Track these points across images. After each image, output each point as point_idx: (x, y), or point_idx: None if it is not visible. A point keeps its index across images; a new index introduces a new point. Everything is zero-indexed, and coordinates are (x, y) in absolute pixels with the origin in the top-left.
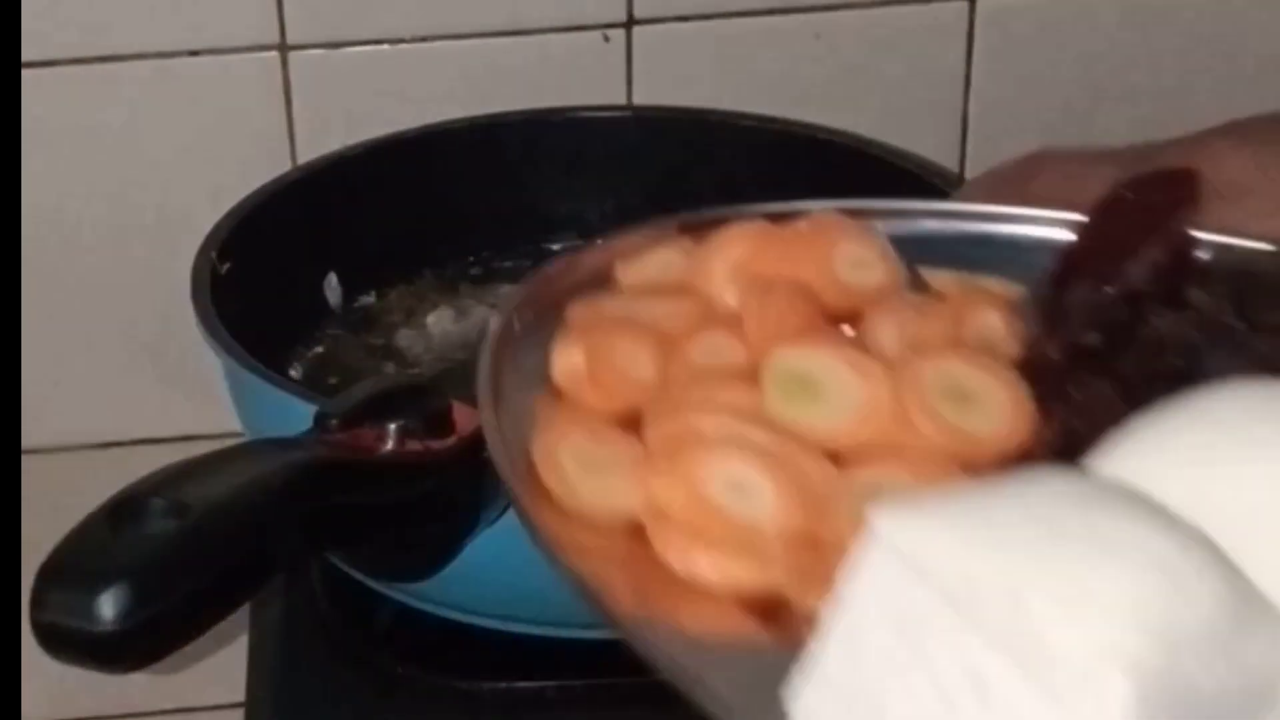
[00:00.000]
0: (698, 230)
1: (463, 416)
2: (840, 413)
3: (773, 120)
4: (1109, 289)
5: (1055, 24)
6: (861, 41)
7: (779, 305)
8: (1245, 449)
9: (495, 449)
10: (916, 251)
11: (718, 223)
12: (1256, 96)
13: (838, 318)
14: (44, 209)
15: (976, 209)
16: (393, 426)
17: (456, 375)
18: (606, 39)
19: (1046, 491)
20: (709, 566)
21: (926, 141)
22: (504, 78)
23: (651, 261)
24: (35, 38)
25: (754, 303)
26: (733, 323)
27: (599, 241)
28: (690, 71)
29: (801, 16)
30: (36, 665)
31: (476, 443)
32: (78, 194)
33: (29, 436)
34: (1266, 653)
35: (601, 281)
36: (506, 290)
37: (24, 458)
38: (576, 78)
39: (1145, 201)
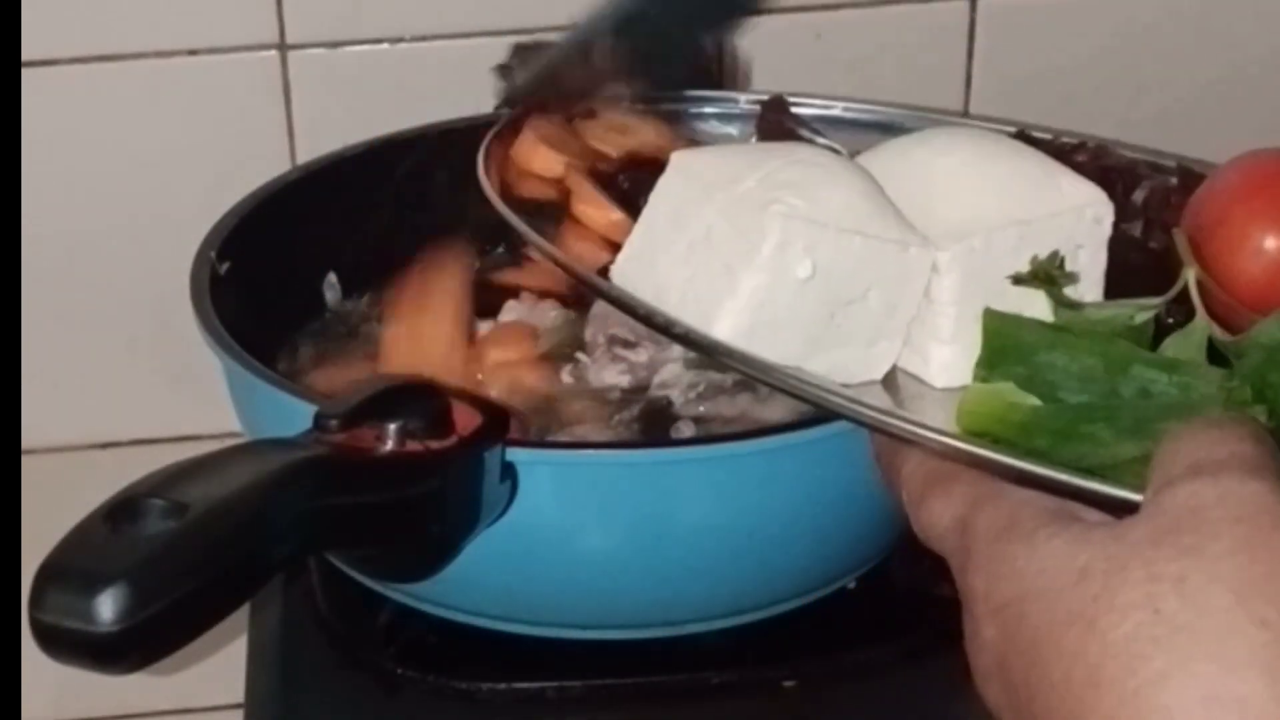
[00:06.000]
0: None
1: (463, 416)
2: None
3: None
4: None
5: (1055, 23)
6: (861, 41)
7: None
8: (913, 147)
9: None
10: None
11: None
12: (1258, 95)
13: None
14: (44, 208)
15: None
16: (393, 426)
17: None
18: None
19: (782, 145)
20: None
21: None
22: None
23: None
24: (35, 38)
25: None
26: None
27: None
28: None
29: (801, 16)
30: (36, 665)
31: (476, 443)
32: (78, 194)
33: (29, 436)
34: (889, 229)
35: None
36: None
37: (24, 458)
38: None
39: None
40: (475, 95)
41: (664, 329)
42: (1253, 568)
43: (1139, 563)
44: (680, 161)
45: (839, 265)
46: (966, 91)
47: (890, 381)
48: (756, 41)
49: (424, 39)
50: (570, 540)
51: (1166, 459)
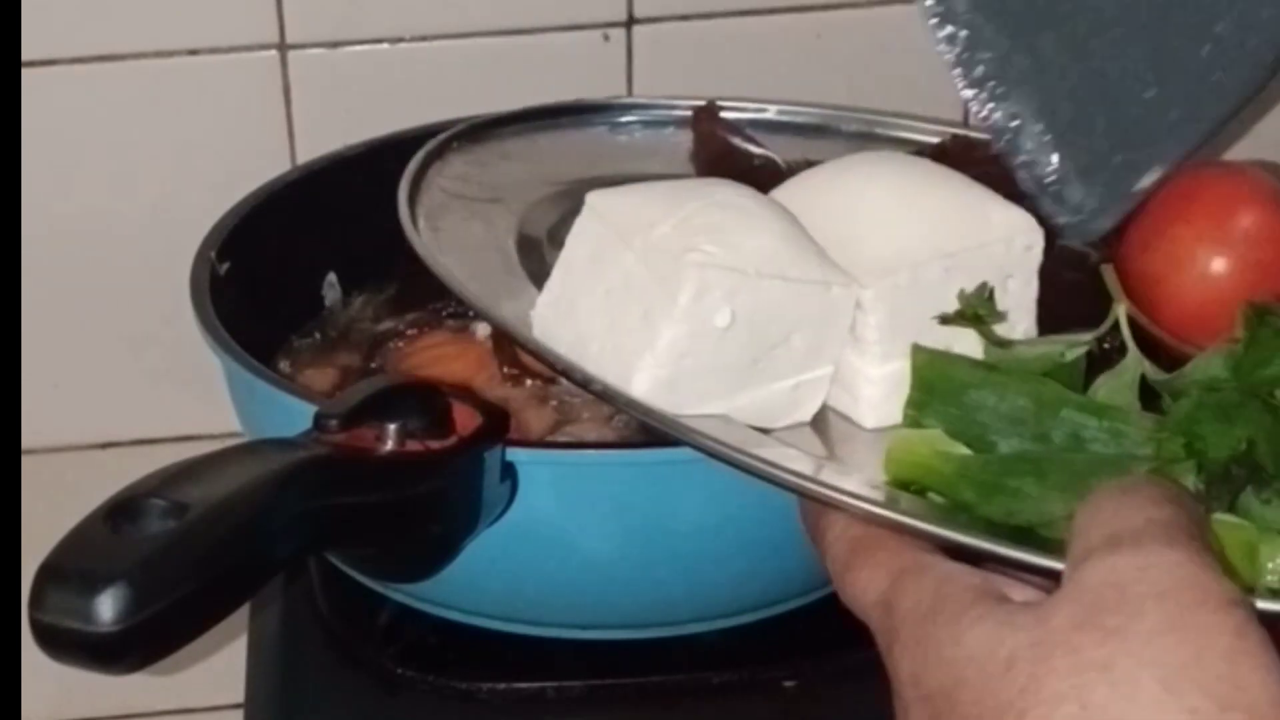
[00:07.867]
0: None
1: (463, 416)
2: None
3: None
4: None
5: None
6: (861, 41)
7: None
8: (837, 176)
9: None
10: None
11: None
12: (1259, 95)
13: None
14: (44, 209)
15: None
16: (393, 426)
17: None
18: (606, 38)
19: (700, 183)
20: None
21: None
22: (504, 78)
23: None
24: (35, 38)
25: None
26: None
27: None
28: (691, 71)
29: (801, 16)
30: (36, 665)
31: (476, 443)
32: (78, 194)
33: (29, 436)
34: (810, 269)
35: None
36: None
37: (24, 458)
38: (576, 77)
39: None
40: (475, 95)
41: (583, 385)
42: (1179, 650)
43: (1064, 650)
44: (597, 203)
45: (760, 310)
46: None
47: (820, 422)
48: (756, 41)
49: (424, 39)
50: (570, 540)
51: (1084, 528)
